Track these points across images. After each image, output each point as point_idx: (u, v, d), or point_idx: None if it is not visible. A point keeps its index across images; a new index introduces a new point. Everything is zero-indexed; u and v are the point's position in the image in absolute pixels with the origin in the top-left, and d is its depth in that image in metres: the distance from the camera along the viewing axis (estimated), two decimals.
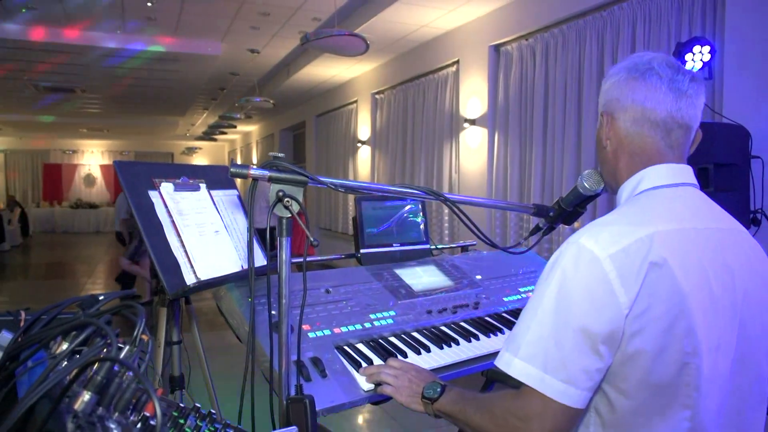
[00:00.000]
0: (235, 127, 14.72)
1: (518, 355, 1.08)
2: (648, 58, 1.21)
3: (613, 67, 1.26)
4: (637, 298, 1.03)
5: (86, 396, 0.66)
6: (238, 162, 20.38)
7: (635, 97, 1.19)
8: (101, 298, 0.94)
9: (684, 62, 3.42)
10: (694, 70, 2.76)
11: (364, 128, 9.43)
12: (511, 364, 1.09)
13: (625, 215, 1.14)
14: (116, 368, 0.72)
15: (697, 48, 3.44)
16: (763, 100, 3.54)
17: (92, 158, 21.59)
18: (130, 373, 0.73)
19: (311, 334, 1.53)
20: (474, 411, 1.21)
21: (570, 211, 1.65)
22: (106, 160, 21.55)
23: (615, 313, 1.03)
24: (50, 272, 11.22)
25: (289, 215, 1.22)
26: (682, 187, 1.19)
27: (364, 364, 1.46)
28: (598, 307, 1.04)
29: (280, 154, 1.23)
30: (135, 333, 0.76)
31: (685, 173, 1.21)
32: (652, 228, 1.08)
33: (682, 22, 4.11)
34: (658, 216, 1.12)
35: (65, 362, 0.77)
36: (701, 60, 3.45)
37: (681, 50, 3.47)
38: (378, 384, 1.41)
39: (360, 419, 3.86)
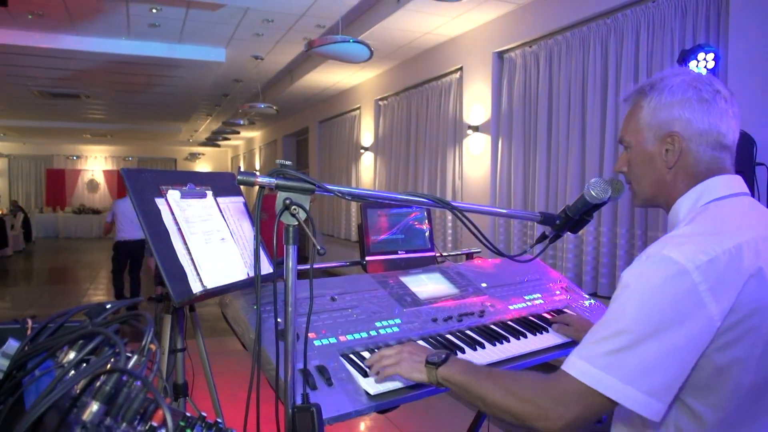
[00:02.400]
0: (238, 133, 14.74)
1: (595, 365, 1.06)
2: (707, 77, 1.21)
3: (668, 80, 1.22)
4: (730, 309, 1.03)
5: (95, 406, 0.66)
6: (242, 168, 20.41)
7: (711, 120, 1.17)
8: (108, 306, 0.94)
9: None
10: None
11: (367, 135, 9.44)
12: (586, 373, 1.07)
13: (702, 226, 1.13)
14: (124, 378, 0.71)
15: (701, 55, 3.44)
16: (767, 107, 3.54)
17: (95, 164, 21.65)
18: (138, 383, 0.73)
19: (317, 342, 1.52)
20: (491, 385, 1.20)
21: (576, 220, 1.65)
22: (110, 166, 21.61)
23: (705, 325, 1.02)
24: (53, 278, 11.24)
25: (296, 223, 1.21)
26: (743, 197, 1.20)
27: (370, 373, 1.45)
28: (687, 319, 1.02)
29: (287, 162, 1.22)
30: (143, 343, 0.76)
31: (741, 183, 1.22)
32: (738, 238, 1.07)
33: (686, 29, 4.11)
34: (737, 225, 1.11)
35: (72, 372, 0.77)
36: (705, 67, 3.44)
37: (685, 57, 3.47)
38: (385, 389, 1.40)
39: (362, 426, 3.84)
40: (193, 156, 21.69)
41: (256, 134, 17.84)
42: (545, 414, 1.10)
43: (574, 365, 1.09)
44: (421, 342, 1.67)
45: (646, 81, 1.27)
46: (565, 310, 2.07)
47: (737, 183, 1.21)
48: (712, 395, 1.07)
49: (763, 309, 1.04)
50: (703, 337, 1.03)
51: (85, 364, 0.81)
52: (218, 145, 18.92)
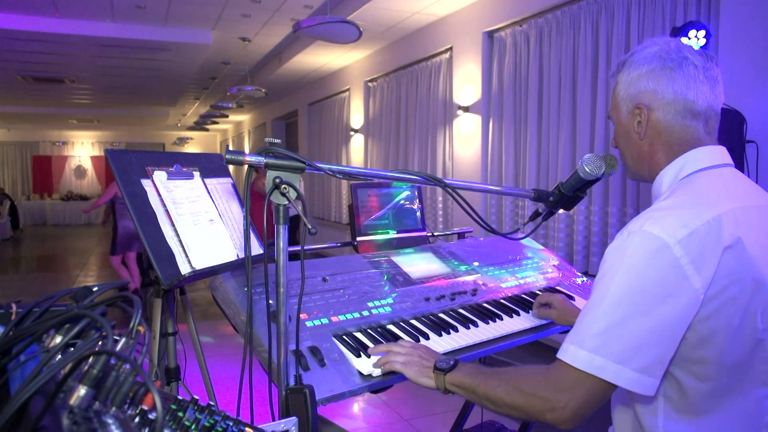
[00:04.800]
0: (226, 116, 14.61)
1: (584, 347, 1.06)
2: (676, 45, 1.20)
3: (637, 54, 1.23)
4: (712, 280, 1.03)
5: (82, 391, 0.64)
6: None
7: (676, 88, 1.17)
8: (95, 289, 0.92)
9: None
10: None
11: (356, 116, 9.38)
12: (577, 357, 1.06)
13: (682, 199, 1.13)
14: (113, 361, 0.69)
15: (692, 32, 3.42)
16: (758, 85, 3.53)
17: (82, 149, 21.41)
18: (128, 366, 0.71)
19: (309, 323, 1.51)
20: (496, 384, 1.19)
21: (570, 196, 1.64)
22: (97, 152, 21.37)
23: (691, 298, 1.03)
24: (42, 265, 11.16)
25: (287, 202, 1.19)
26: (725, 168, 1.20)
27: (362, 353, 1.44)
28: (672, 293, 1.03)
29: (276, 140, 1.20)
30: (131, 324, 0.74)
31: (724, 154, 1.21)
32: (717, 209, 1.07)
33: (677, 7, 4.08)
34: (717, 197, 1.11)
35: (59, 356, 0.74)
36: (697, 44, 3.42)
37: (676, 35, 3.44)
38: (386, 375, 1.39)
39: (356, 407, 3.86)
40: (182, 140, 21.52)
41: (244, 118, 17.69)
42: (551, 405, 1.08)
43: (567, 351, 1.09)
44: (414, 321, 1.66)
45: (623, 56, 1.28)
46: (558, 287, 2.06)
47: (720, 154, 1.20)
48: (697, 366, 1.08)
49: (741, 279, 1.05)
50: (690, 310, 1.03)
51: (71, 349, 0.79)
52: (207, 129, 18.76)
